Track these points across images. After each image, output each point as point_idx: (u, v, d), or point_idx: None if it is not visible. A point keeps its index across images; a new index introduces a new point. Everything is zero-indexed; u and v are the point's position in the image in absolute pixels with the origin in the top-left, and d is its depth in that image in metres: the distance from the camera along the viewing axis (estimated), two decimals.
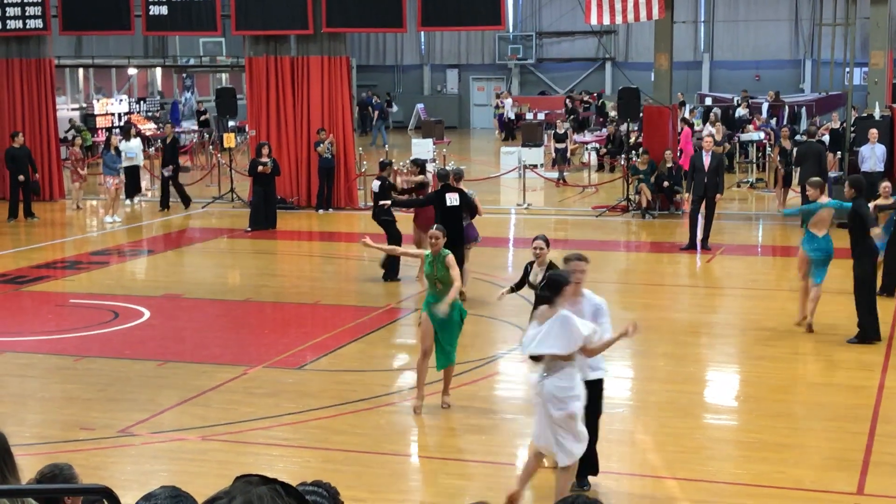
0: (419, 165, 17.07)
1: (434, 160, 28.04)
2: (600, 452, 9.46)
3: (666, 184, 22.16)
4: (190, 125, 37.81)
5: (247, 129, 26.61)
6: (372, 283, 16.25)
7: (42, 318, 14.40)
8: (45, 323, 14.08)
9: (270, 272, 17.88)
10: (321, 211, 23.10)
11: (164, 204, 23.75)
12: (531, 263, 10.54)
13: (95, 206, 24.37)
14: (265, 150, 21.01)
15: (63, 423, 10.25)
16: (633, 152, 23.82)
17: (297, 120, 23.52)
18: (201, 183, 27.11)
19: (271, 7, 23.08)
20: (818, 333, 12.99)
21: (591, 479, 8.62)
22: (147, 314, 14.34)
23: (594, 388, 8.24)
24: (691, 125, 28.73)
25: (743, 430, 10.18)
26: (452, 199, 14.30)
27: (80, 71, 36.61)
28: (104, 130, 32.34)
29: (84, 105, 35.76)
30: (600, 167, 30.38)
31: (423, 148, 29.78)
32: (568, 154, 30.05)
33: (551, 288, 7.87)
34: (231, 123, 31.06)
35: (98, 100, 35.78)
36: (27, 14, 24.32)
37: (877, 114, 21.34)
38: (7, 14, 24.30)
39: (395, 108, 44.06)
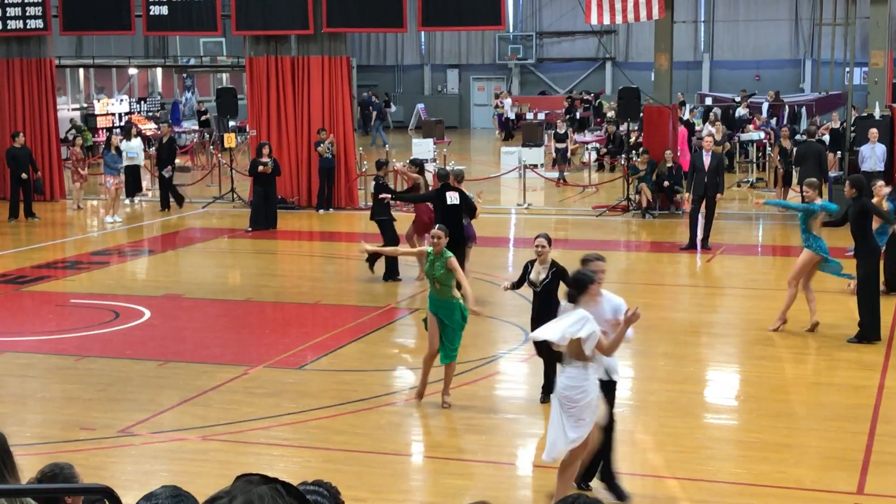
0: (417, 165, 17.08)
1: (434, 160, 28.05)
2: None
3: (666, 184, 22.17)
4: (191, 125, 37.83)
5: (247, 129, 26.62)
6: (372, 283, 16.26)
7: (43, 318, 14.41)
8: (46, 323, 14.09)
9: (271, 272, 17.88)
10: (321, 211, 23.10)
11: (165, 204, 23.77)
12: (531, 262, 10.54)
13: (96, 207, 24.37)
14: (266, 150, 21.01)
15: (63, 423, 10.26)
16: (633, 152, 23.83)
17: (298, 120, 23.53)
18: (202, 183, 27.12)
19: (272, 7, 23.09)
20: (819, 333, 12.99)
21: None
22: (147, 314, 14.35)
23: (608, 390, 8.26)
24: (691, 125, 28.74)
25: (743, 430, 10.18)
26: (452, 198, 14.30)
27: (81, 71, 36.62)
28: (105, 130, 32.34)
29: (85, 105, 35.77)
30: (600, 167, 30.39)
31: (423, 148, 29.79)
32: (568, 154, 30.06)
33: (577, 287, 7.93)
34: (231, 123, 31.08)
35: (99, 100, 35.79)
36: (28, 14, 24.33)
37: (877, 113, 21.35)
38: (7, 14, 24.31)
39: (393, 108, 44.06)
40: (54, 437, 9.87)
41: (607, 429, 8.30)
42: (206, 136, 34.42)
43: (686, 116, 29.97)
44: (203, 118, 37.55)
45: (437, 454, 9.66)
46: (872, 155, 20.35)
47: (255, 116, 23.76)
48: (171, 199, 23.78)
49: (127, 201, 24.44)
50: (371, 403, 10.68)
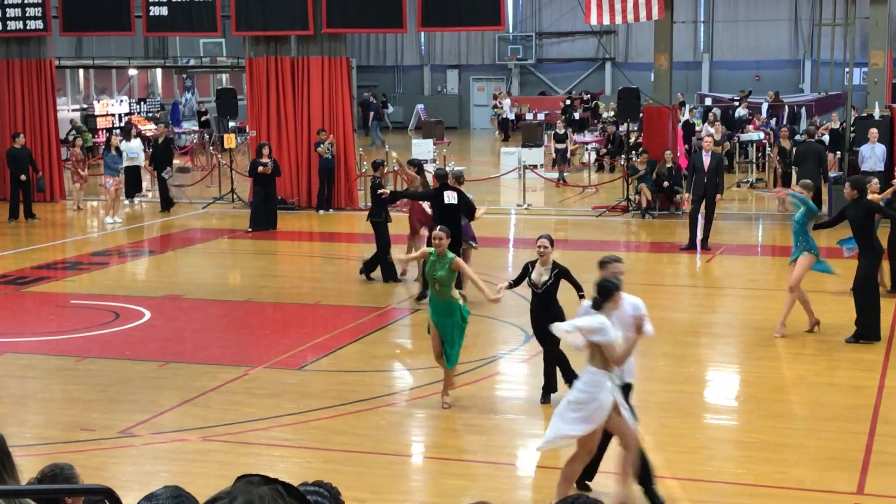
0: (416, 166, 17.09)
1: (434, 161, 28.07)
2: None
3: (666, 184, 22.18)
4: (191, 126, 37.84)
5: (247, 130, 26.63)
6: (372, 284, 16.26)
7: (43, 318, 14.41)
8: (46, 324, 14.09)
9: (271, 273, 17.89)
10: (321, 211, 23.11)
11: (167, 204, 23.78)
12: (532, 263, 10.53)
13: (96, 207, 24.38)
14: (265, 151, 21.02)
15: (64, 424, 10.26)
16: (633, 152, 23.84)
17: (298, 120, 23.54)
18: (202, 184, 27.13)
19: (271, 7, 23.10)
20: (819, 334, 12.99)
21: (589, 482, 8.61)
22: (148, 315, 14.35)
23: (624, 394, 8.25)
24: (691, 126, 28.76)
25: (743, 430, 10.18)
26: (450, 198, 14.28)
27: (81, 72, 36.63)
28: (105, 131, 32.36)
29: (85, 106, 35.79)
30: (600, 167, 30.39)
31: (423, 148, 29.81)
32: (568, 154, 30.08)
33: (602, 293, 7.88)
34: (231, 124, 31.09)
35: (99, 101, 35.81)
36: (27, 15, 24.34)
37: (876, 114, 21.36)
38: (7, 15, 24.32)
39: (390, 109, 44.06)
40: (55, 437, 9.87)
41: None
42: (206, 136, 34.43)
43: (685, 117, 29.97)
44: (203, 119, 37.56)
45: (437, 455, 9.66)
46: (872, 155, 20.36)
47: (254, 117, 23.77)
48: (178, 200, 23.79)
49: (127, 202, 24.45)
50: (371, 404, 10.68)
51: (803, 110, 32.43)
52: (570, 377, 10.70)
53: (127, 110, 35.86)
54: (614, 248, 19.54)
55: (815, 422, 10.23)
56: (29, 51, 24.93)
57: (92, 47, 36.53)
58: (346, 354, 12.59)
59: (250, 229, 20.91)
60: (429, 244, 12.40)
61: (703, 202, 18.60)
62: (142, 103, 37.36)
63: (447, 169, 15.93)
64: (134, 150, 24.43)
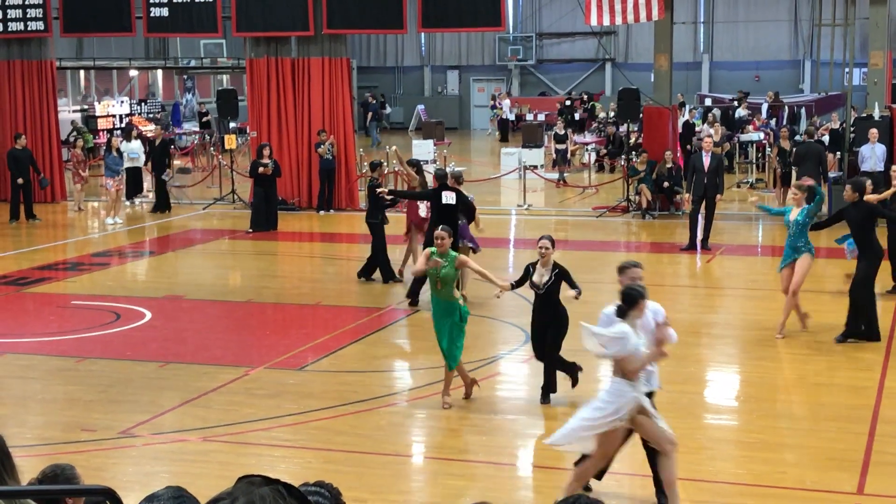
0: (415, 166, 17.10)
1: (434, 161, 28.07)
2: None
3: (666, 184, 22.18)
4: (191, 127, 37.85)
5: (248, 131, 26.64)
6: (373, 285, 16.27)
7: (44, 319, 14.42)
8: (47, 324, 14.10)
9: (271, 273, 17.90)
10: (322, 212, 23.12)
11: (166, 206, 23.79)
12: (533, 264, 10.53)
13: (97, 208, 24.39)
14: (266, 152, 21.03)
15: (64, 425, 10.27)
16: (633, 153, 23.85)
17: (298, 121, 23.55)
18: (202, 184, 27.15)
19: (272, 8, 23.11)
20: (818, 333, 13.00)
21: (592, 482, 8.61)
22: (148, 315, 14.36)
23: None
24: (691, 126, 28.77)
25: (744, 431, 10.19)
26: (448, 198, 14.26)
27: (82, 73, 36.65)
28: (105, 132, 32.37)
29: (85, 107, 35.80)
30: (600, 168, 30.40)
31: (423, 149, 29.81)
32: (568, 155, 30.09)
33: (628, 301, 7.84)
34: (232, 125, 31.10)
35: (99, 101, 35.82)
36: (28, 16, 24.35)
37: (876, 114, 21.36)
38: (8, 16, 24.35)
39: (388, 109, 44.04)
40: (55, 438, 9.88)
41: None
42: (207, 137, 34.44)
43: (685, 117, 29.98)
44: (204, 120, 37.57)
45: (437, 455, 9.67)
46: (872, 155, 20.36)
47: (255, 118, 23.78)
48: (178, 201, 23.80)
49: (127, 203, 24.46)
50: (372, 404, 10.69)
51: (803, 111, 32.43)
52: (572, 372, 10.72)
53: (128, 111, 35.88)
54: (614, 249, 19.57)
55: (816, 422, 10.24)
56: (30, 52, 24.94)
57: (93, 48, 36.55)
58: (347, 355, 12.60)
59: (251, 230, 20.92)
60: (427, 245, 12.41)
61: (704, 202, 18.62)
62: (142, 104, 37.38)
63: (447, 169, 15.94)
64: (134, 151, 24.44)
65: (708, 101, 35.49)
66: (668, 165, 22.18)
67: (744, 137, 29.27)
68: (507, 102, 42.08)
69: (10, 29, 24.45)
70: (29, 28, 24.46)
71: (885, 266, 15.18)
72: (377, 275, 16.37)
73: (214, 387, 11.25)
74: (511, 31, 43.66)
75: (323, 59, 23.37)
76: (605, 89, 43.33)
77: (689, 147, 25.82)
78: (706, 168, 18.50)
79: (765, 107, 32.78)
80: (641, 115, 23.69)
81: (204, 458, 9.35)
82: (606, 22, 22.05)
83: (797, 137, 25.10)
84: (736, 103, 32.98)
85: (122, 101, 36.52)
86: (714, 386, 11.88)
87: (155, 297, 15.54)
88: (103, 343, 13.13)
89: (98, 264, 18.46)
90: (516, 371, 12.08)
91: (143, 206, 24.93)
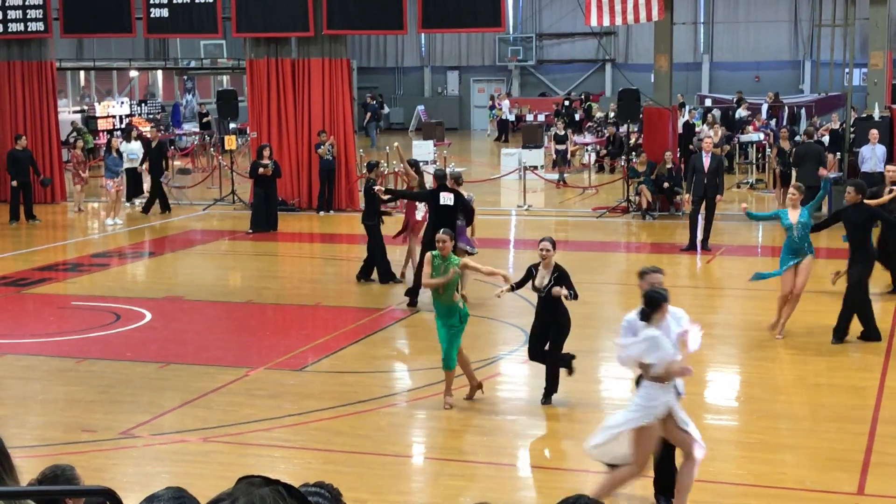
0: (413, 165, 17.10)
1: (435, 162, 28.08)
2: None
3: (666, 185, 22.18)
4: (191, 127, 37.85)
5: (248, 132, 26.64)
6: (372, 285, 16.27)
7: (44, 320, 14.42)
8: (47, 325, 14.10)
9: (271, 274, 17.90)
10: (322, 213, 23.12)
11: (164, 206, 23.80)
12: (535, 266, 10.52)
13: (97, 209, 24.40)
14: (266, 152, 21.03)
15: (65, 425, 10.27)
16: (633, 153, 23.85)
17: (298, 122, 23.55)
18: (203, 185, 27.15)
19: (272, 9, 23.11)
20: (819, 334, 13.00)
21: (591, 480, 8.61)
22: (148, 316, 14.36)
23: None
24: (691, 126, 28.76)
25: (744, 431, 10.19)
26: (446, 199, 14.24)
27: (82, 73, 36.65)
28: (105, 133, 32.37)
29: (85, 108, 35.81)
30: (600, 168, 30.40)
31: (423, 150, 29.81)
32: (568, 155, 30.09)
33: (651, 304, 7.83)
34: (232, 126, 31.10)
35: (99, 102, 35.81)
36: (28, 17, 24.36)
37: (876, 114, 21.36)
38: (8, 17, 24.35)
39: (386, 110, 44.03)
40: (55, 439, 9.88)
41: (669, 446, 8.16)
42: (207, 138, 34.44)
43: (685, 118, 29.99)
44: (204, 120, 37.57)
45: (437, 455, 9.67)
46: (873, 156, 20.35)
47: (255, 118, 23.78)
48: (178, 201, 23.81)
49: (127, 204, 24.46)
50: (372, 405, 10.69)
51: (803, 111, 32.44)
52: (567, 363, 10.71)
53: (128, 112, 35.88)
54: (615, 249, 19.59)
55: (816, 422, 10.24)
56: (30, 52, 24.94)
57: (93, 49, 36.55)
58: (347, 355, 12.60)
59: (251, 230, 20.93)
60: (427, 251, 12.40)
61: (704, 203, 18.62)
62: (142, 105, 37.39)
63: (446, 170, 15.92)
64: (134, 152, 24.43)
65: (708, 102, 35.48)
66: (668, 166, 22.19)
67: (744, 138, 29.27)
68: (506, 103, 42.08)
69: (10, 30, 24.45)
70: (29, 29, 24.47)
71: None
72: (376, 275, 16.37)
73: (215, 387, 11.25)
74: (511, 32, 43.65)
75: (323, 59, 23.37)
76: (605, 90, 43.33)
77: (690, 147, 25.82)
78: (706, 169, 18.50)
79: (765, 107, 32.79)
80: (641, 116, 23.69)
81: (204, 458, 9.35)
82: (606, 22, 22.05)
83: (797, 138, 25.10)
84: (735, 104, 33.00)
85: (122, 102, 36.52)
86: (714, 386, 11.87)
87: (155, 297, 15.54)
88: (103, 344, 13.13)
89: (98, 265, 18.46)
90: (517, 372, 12.08)
91: (141, 206, 24.93)
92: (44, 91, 25.13)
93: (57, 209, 24.55)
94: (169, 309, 14.92)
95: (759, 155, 28.90)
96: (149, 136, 25.23)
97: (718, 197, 18.65)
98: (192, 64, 39.65)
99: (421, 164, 17.65)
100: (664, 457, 8.16)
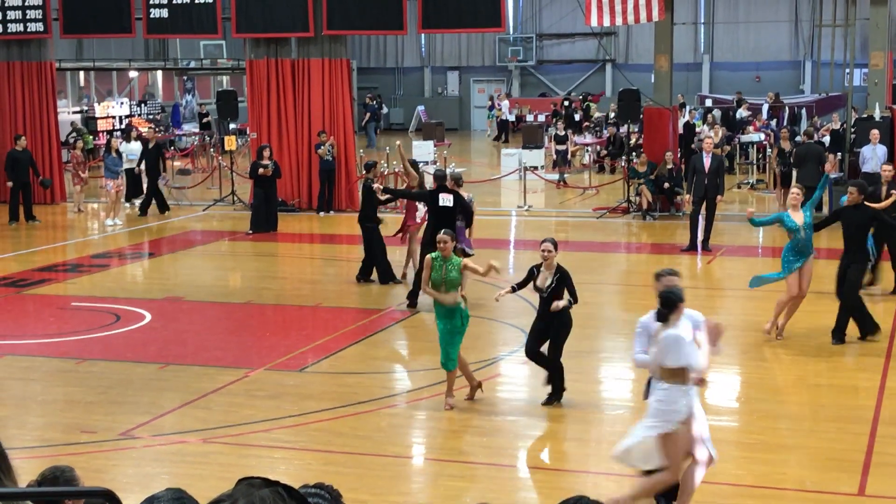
0: (413, 166, 17.09)
1: (435, 162, 28.07)
2: (600, 454, 9.49)
3: (666, 185, 22.17)
4: (191, 128, 37.85)
5: (248, 132, 26.64)
6: (372, 286, 16.26)
7: (43, 321, 14.41)
8: (47, 326, 14.09)
9: (271, 274, 17.89)
10: (322, 213, 23.11)
11: (162, 207, 23.78)
12: (537, 266, 10.50)
13: (96, 209, 24.39)
14: (266, 153, 21.03)
15: (64, 426, 10.26)
16: (634, 154, 23.85)
17: (298, 122, 23.54)
18: (202, 185, 27.15)
19: (272, 9, 23.10)
20: (819, 335, 12.99)
21: (591, 481, 8.61)
22: (148, 317, 14.35)
23: None
24: (691, 127, 28.75)
25: (744, 432, 10.18)
26: (445, 200, 14.20)
27: (81, 74, 36.64)
28: (105, 133, 32.36)
29: (85, 108, 35.80)
30: (600, 169, 30.40)
31: (423, 150, 29.81)
32: (568, 156, 30.08)
33: (667, 305, 7.82)
34: (232, 126, 31.10)
35: (99, 103, 35.81)
36: (28, 17, 24.35)
37: (877, 115, 21.35)
38: (8, 17, 24.35)
39: (385, 110, 44.05)
40: (55, 439, 9.87)
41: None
42: (207, 138, 34.44)
43: (686, 118, 30.00)
44: (204, 121, 37.57)
45: (437, 456, 9.67)
46: (874, 156, 20.33)
47: (255, 119, 23.77)
48: (178, 202, 23.80)
49: (127, 204, 24.45)
50: (372, 406, 10.68)
51: (804, 111, 32.43)
52: (557, 389, 10.63)
53: (127, 112, 35.88)
54: (615, 250, 19.58)
55: (816, 423, 10.24)
56: (29, 53, 24.94)
57: (92, 49, 36.54)
58: (347, 356, 12.59)
59: (251, 231, 20.92)
60: (426, 251, 12.39)
61: (704, 203, 18.61)
62: (142, 105, 37.38)
63: (446, 171, 15.91)
64: (134, 153, 24.41)
65: (708, 102, 35.47)
66: (669, 166, 22.18)
67: (744, 138, 29.26)
68: (505, 103, 42.08)
69: (9, 30, 24.45)
70: (29, 29, 24.46)
71: (885, 266, 15.27)
72: (374, 277, 16.36)
73: (214, 388, 11.25)
74: (511, 32, 43.64)
75: (323, 60, 23.37)
76: (605, 90, 43.32)
77: (692, 146, 25.81)
78: (707, 169, 18.49)
79: (765, 108, 32.78)
80: (642, 116, 23.69)
81: (204, 459, 9.35)
82: (607, 23, 22.05)
83: (797, 138, 25.10)
84: (735, 101, 32.99)
85: (122, 103, 36.52)
86: (714, 387, 11.84)
87: (155, 298, 15.54)
88: (103, 344, 13.12)
89: (98, 266, 18.45)
90: (517, 372, 12.07)
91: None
92: (43, 92, 25.12)
93: (57, 210, 24.54)
94: (169, 310, 14.91)
95: (760, 155, 28.89)
96: (146, 136, 25.19)
97: (719, 197, 18.65)
98: (192, 64, 39.65)
99: (421, 164, 17.65)
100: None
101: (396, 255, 16.66)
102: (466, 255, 14.78)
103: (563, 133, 30.47)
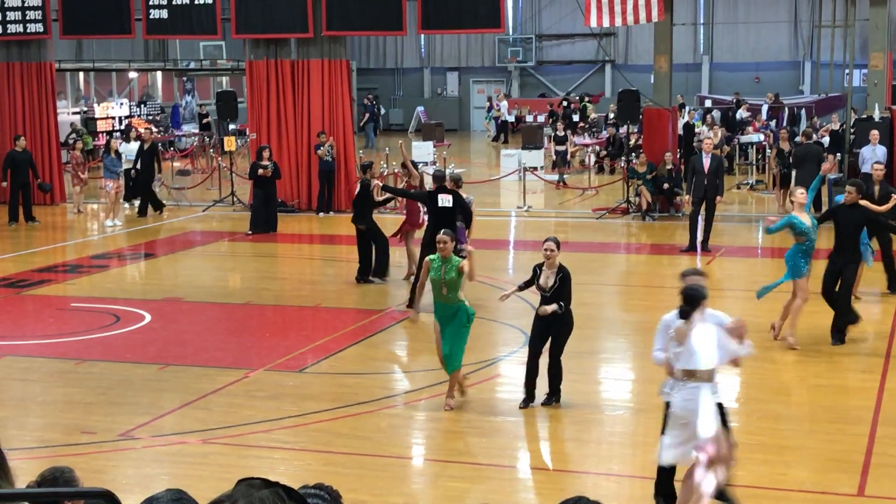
0: (412, 166, 17.09)
1: (434, 163, 28.07)
2: (600, 454, 9.50)
3: (666, 186, 22.17)
4: (191, 128, 37.85)
5: (247, 133, 26.63)
6: (372, 286, 16.26)
7: (43, 321, 14.41)
8: (47, 326, 14.09)
9: (271, 275, 17.89)
10: (321, 214, 23.11)
11: (156, 206, 23.74)
12: (540, 266, 10.49)
13: (96, 210, 24.39)
14: (266, 154, 21.03)
15: (64, 427, 10.26)
16: (633, 154, 23.84)
17: (298, 123, 23.54)
18: (202, 186, 27.15)
19: (272, 10, 23.10)
20: (819, 335, 12.98)
21: (590, 481, 8.61)
22: (148, 318, 14.35)
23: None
24: (690, 127, 28.77)
25: (744, 432, 10.16)
26: (445, 201, 14.18)
27: (81, 75, 36.64)
28: (105, 134, 32.35)
29: (85, 109, 35.80)
30: (600, 169, 30.40)
31: (423, 151, 29.81)
32: (568, 156, 30.08)
33: (690, 302, 7.81)
34: (232, 127, 31.11)
35: (98, 103, 35.81)
36: (28, 18, 24.36)
37: (876, 115, 21.36)
38: (8, 18, 24.35)
39: (382, 111, 44.06)
40: (55, 440, 9.87)
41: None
42: (207, 139, 34.44)
43: (685, 118, 30.00)
44: (204, 121, 37.57)
45: (438, 457, 9.66)
46: (873, 157, 20.31)
47: (255, 120, 23.78)
48: (178, 202, 23.75)
49: (126, 205, 24.45)
50: (372, 406, 10.68)
51: (803, 112, 32.44)
52: (556, 389, 10.60)
53: (127, 113, 35.87)
54: (614, 251, 19.57)
55: (816, 423, 10.23)
56: (29, 54, 24.94)
57: (92, 50, 36.54)
58: (347, 357, 12.59)
59: (250, 232, 20.92)
60: (425, 252, 12.39)
61: (704, 204, 18.61)
62: (142, 106, 37.38)
63: (446, 171, 15.91)
64: (133, 153, 24.40)
65: (708, 103, 35.49)
66: (668, 167, 22.18)
67: (744, 139, 29.26)
68: (504, 104, 42.08)
69: (9, 31, 24.44)
70: (28, 30, 24.46)
71: (879, 267, 15.30)
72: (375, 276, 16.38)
73: (214, 389, 11.25)
74: (511, 33, 43.64)
75: (322, 60, 23.37)
76: (605, 91, 43.33)
77: (693, 146, 25.81)
78: (706, 169, 18.49)
79: (765, 108, 32.79)
80: (641, 117, 23.69)
81: (204, 460, 9.34)
82: (606, 23, 22.05)
83: (796, 139, 25.11)
84: (734, 102, 33.00)
85: (122, 103, 36.52)
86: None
87: (154, 299, 15.53)
88: (103, 345, 13.12)
89: (97, 266, 18.45)
90: (517, 373, 12.04)
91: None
92: (43, 92, 25.12)
93: (56, 210, 24.54)
94: (168, 310, 14.91)
95: (759, 156, 28.90)
96: (143, 136, 25.14)
97: (718, 198, 18.65)
98: (192, 65, 39.65)
99: (420, 165, 17.65)
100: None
101: (396, 256, 16.66)
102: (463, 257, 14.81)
103: (562, 134, 30.45)
